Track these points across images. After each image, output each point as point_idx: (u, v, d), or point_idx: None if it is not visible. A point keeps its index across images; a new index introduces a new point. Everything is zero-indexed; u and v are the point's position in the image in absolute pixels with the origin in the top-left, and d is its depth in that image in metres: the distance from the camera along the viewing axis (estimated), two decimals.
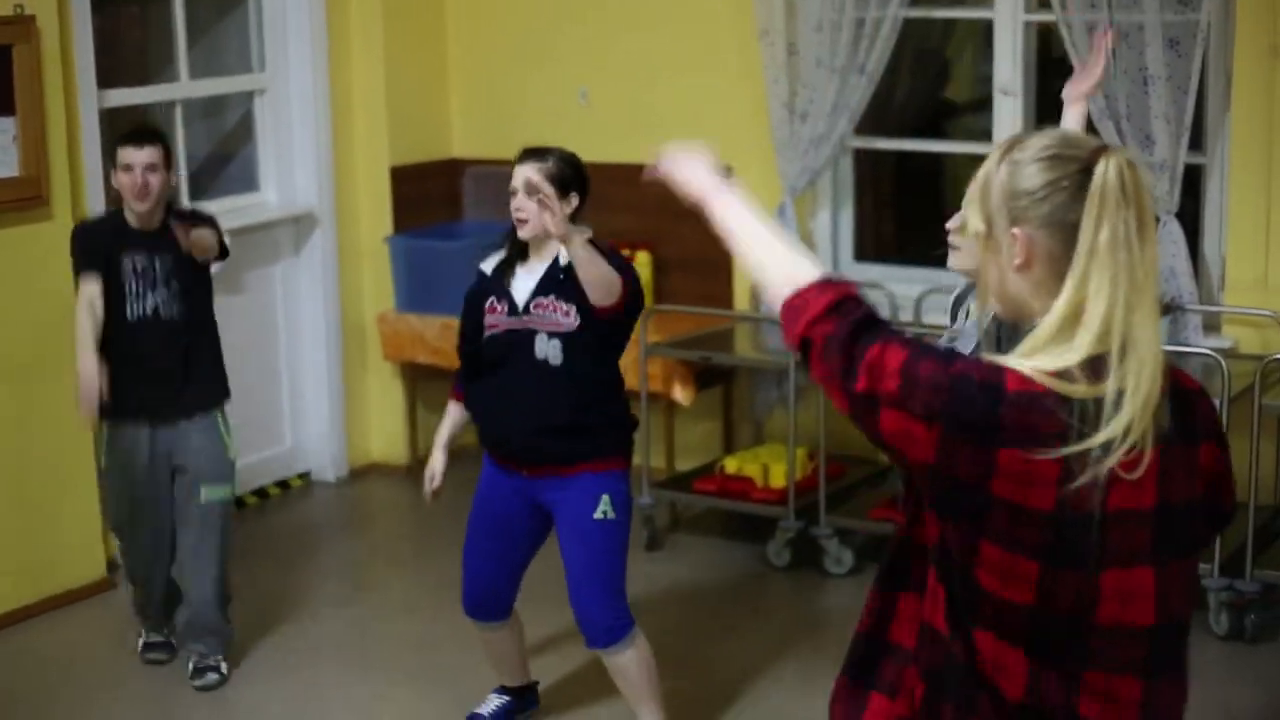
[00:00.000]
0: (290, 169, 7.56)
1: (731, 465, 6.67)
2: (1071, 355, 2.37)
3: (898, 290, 6.89)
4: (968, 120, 7.85)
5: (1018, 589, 2.40)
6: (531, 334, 4.82)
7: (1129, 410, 2.35)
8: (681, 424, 7.39)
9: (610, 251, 4.80)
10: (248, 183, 7.56)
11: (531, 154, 4.83)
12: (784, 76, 6.88)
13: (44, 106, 6.18)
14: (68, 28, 6.34)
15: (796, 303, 2.48)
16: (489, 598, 5.11)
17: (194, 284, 5.54)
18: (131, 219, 5.48)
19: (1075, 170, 2.41)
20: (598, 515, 4.84)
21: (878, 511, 6.39)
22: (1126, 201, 2.39)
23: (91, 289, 5.40)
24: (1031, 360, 2.39)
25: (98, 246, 5.47)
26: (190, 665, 5.69)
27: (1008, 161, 2.47)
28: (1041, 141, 2.46)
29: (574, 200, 4.81)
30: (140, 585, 5.73)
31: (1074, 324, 2.39)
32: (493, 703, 5.33)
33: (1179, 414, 2.44)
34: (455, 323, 7.12)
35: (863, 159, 7.33)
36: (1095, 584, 2.41)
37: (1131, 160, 2.42)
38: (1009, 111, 6.67)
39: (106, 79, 6.70)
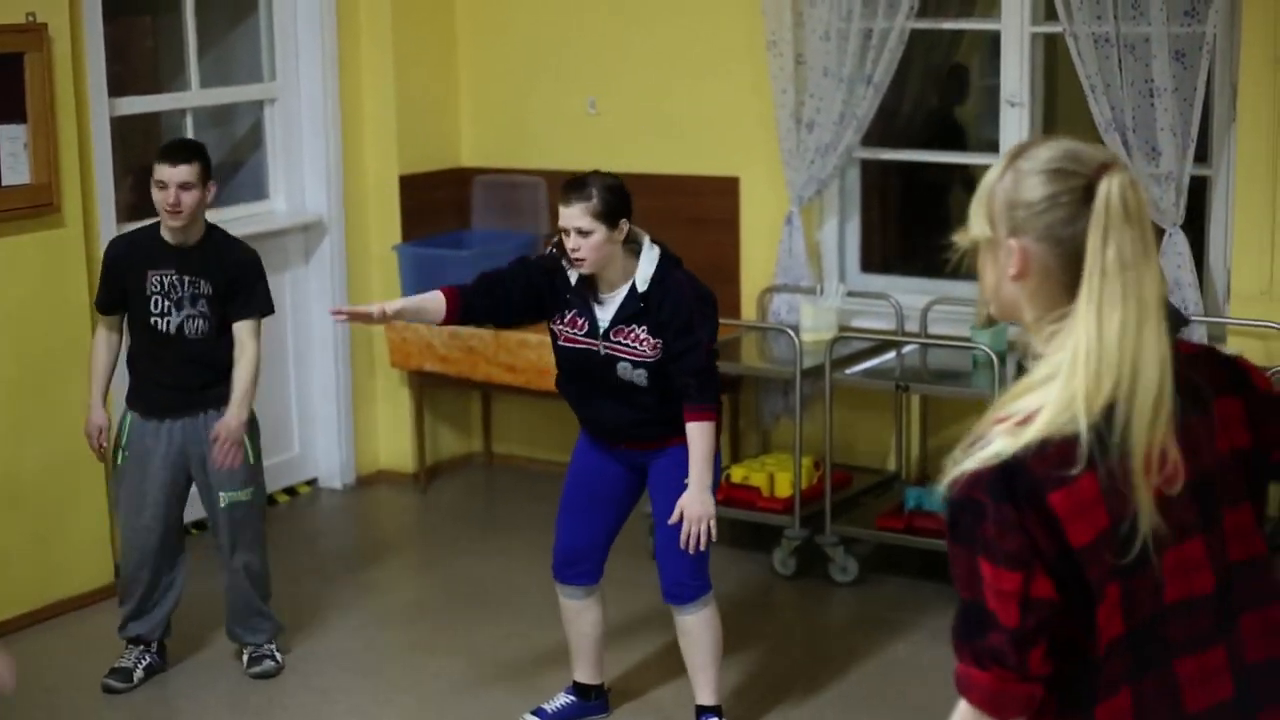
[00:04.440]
0: (300, 177, 7.59)
1: (738, 474, 6.69)
2: (1086, 401, 2.38)
3: (904, 301, 6.90)
4: (974, 131, 7.87)
5: (1114, 621, 2.41)
6: (613, 358, 4.90)
7: (1141, 434, 2.38)
8: None
9: (687, 285, 4.93)
10: (257, 190, 7.58)
11: (573, 191, 4.86)
12: (791, 86, 6.90)
13: (55, 114, 6.21)
14: (79, 36, 6.37)
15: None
16: (578, 556, 5.18)
17: (222, 306, 5.57)
18: (167, 235, 5.54)
19: (1078, 185, 2.41)
20: (689, 480, 4.87)
21: (884, 520, 6.41)
22: (1129, 220, 2.40)
23: (108, 322, 5.64)
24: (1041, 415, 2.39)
25: (120, 274, 5.56)
26: (245, 656, 5.80)
27: (1012, 170, 2.48)
28: (1047, 153, 2.46)
29: (624, 226, 4.87)
30: (129, 589, 5.74)
31: (1091, 353, 2.39)
32: (559, 700, 5.37)
33: (1187, 389, 2.45)
34: (462, 330, 7.25)
35: (870, 169, 7.34)
36: (1160, 571, 2.42)
37: (1134, 179, 2.43)
38: (1016, 122, 6.68)
39: (117, 87, 6.73)
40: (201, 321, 5.54)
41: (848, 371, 6.56)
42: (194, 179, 5.44)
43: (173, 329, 5.53)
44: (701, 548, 4.88)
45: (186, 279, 5.52)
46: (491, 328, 5.04)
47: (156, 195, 5.47)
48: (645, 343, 4.87)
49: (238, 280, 5.58)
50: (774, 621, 6.28)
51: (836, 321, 6.83)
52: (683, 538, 4.86)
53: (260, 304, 5.63)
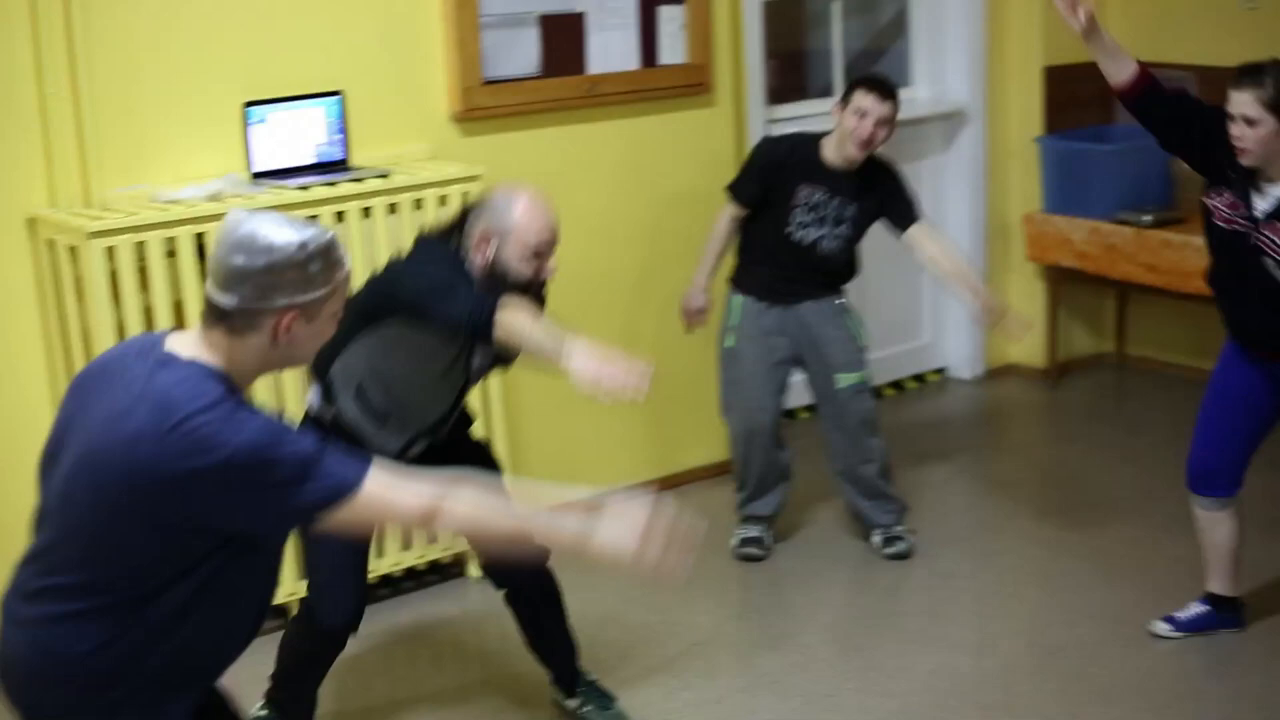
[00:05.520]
0: (943, 65, 7.56)
1: None
2: None
3: None
4: None
5: None
6: (1259, 250, 4.64)
7: None
8: None
9: None
10: (900, 78, 7.58)
11: (1245, 76, 4.57)
12: None
13: None
14: None
15: None
16: (1214, 469, 5.02)
17: (861, 229, 5.67)
18: (829, 155, 5.59)
19: None
20: None
21: None
22: None
23: (737, 210, 5.70)
24: None
25: (771, 176, 5.63)
26: (879, 537, 5.88)
27: None
28: None
29: None
30: (745, 471, 5.88)
31: None
32: (1192, 609, 5.22)
33: None
34: (1104, 226, 7.11)
35: None
36: None
37: None
38: None
39: None
40: (839, 242, 5.64)
41: None
42: (891, 117, 5.49)
43: (807, 242, 5.62)
44: None
45: (837, 200, 5.59)
46: (1152, 132, 4.77)
47: (850, 121, 5.49)
48: None
49: (892, 194, 5.65)
50: None
51: None
52: None
53: (918, 208, 5.67)
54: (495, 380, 5.66)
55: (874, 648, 5.20)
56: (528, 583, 4.59)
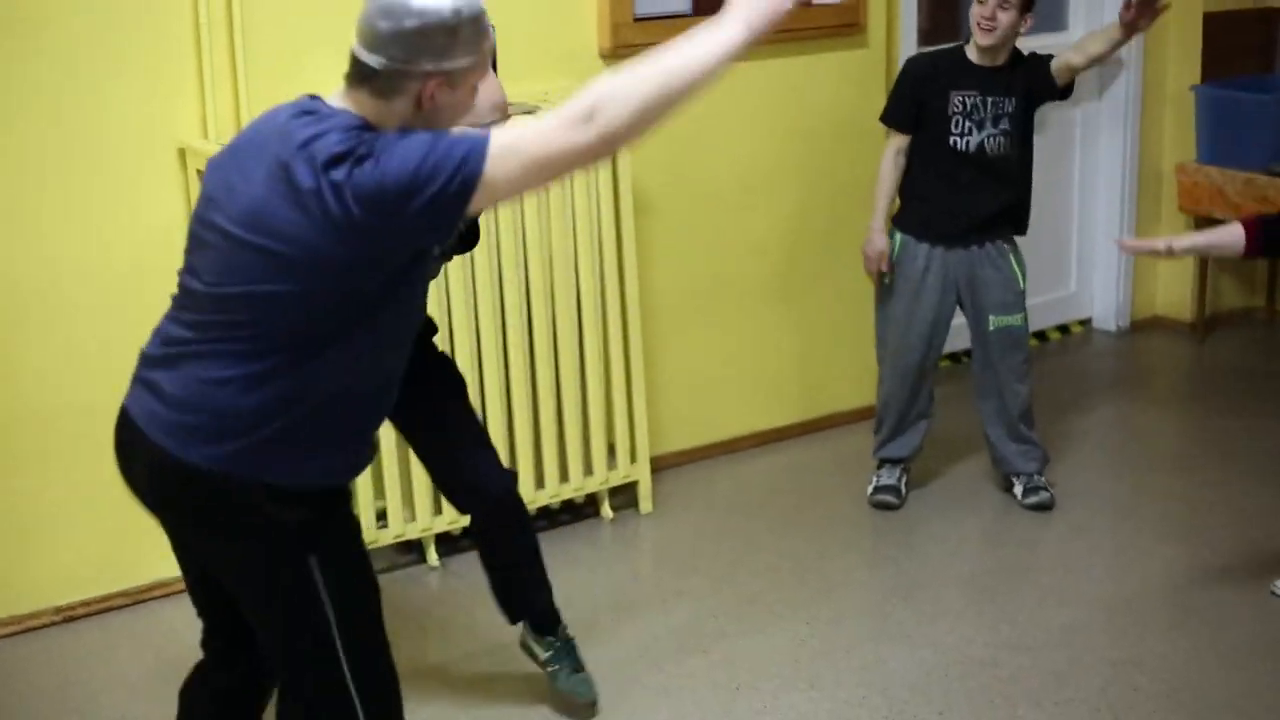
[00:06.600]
0: (1099, 9, 7.42)
1: None
2: None
3: None
4: None
5: None
6: None
7: None
8: None
9: None
10: (1055, 21, 7.47)
11: None
12: None
13: None
14: None
15: None
16: None
17: (1022, 125, 5.61)
18: (973, 54, 5.56)
19: None
20: None
21: None
22: None
23: (898, 143, 5.64)
24: None
25: (924, 89, 5.58)
26: (1020, 486, 5.85)
27: None
28: None
29: None
30: (885, 409, 5.85)
31: None
32: None
33: None
34: (1259, 178, 6.99)
35: None
36: None
37: None
38: None
39: None
40: (1002, 139, 5.57)
41: None
42: (1013, 1, 5.41)
43: (972, 148, 5.56)
44: None
45: (990, 99, 5.53)
46: None
47: (975, 10, 5.46)
48: None
49: (1033, 66, 5.60)
50: None
51: None
52: None
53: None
54: (634, 322, 5.68)
55: (1007, 600, 5.17)
56: (495, 508, 4.33)
